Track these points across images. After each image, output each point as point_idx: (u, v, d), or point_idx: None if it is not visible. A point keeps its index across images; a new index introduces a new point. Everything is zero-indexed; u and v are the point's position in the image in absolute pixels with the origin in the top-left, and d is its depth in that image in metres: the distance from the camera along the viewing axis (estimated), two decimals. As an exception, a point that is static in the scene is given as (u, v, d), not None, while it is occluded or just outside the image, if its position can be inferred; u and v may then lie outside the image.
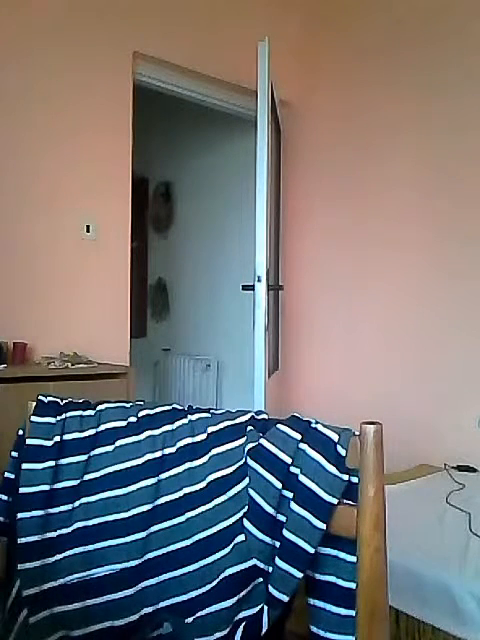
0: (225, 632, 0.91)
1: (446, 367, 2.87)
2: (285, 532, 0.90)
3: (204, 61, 3.13)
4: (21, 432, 1.10)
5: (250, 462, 0.95)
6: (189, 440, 1.04)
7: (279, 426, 0.96)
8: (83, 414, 1.10)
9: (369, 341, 3.23)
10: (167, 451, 1.04)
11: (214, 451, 1.00)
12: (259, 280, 2.68)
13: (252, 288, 2.69)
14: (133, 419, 1.08)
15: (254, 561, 0.92)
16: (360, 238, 3.28)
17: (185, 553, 0.98)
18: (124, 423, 1.08)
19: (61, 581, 1.01)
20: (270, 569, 0.92)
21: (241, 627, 0.92)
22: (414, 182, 3.02)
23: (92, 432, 1.08)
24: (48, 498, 1.04)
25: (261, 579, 0.93)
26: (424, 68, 2.98)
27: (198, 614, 0.94)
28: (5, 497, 1.09)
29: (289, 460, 0.92)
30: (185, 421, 1.06)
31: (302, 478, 0.90)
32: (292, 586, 0.90)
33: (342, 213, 3.38)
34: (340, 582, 0.91)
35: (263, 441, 0.95)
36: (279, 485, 0.92)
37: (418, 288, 3.00)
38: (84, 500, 1.04)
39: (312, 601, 0.93)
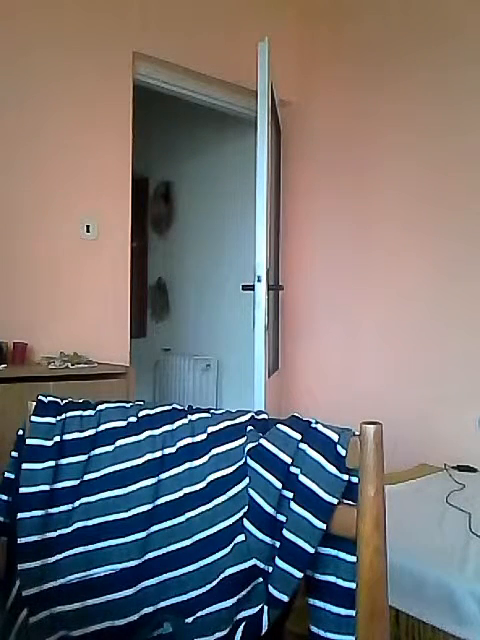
0: (225, 632, 0.91)
1: (446, 367, 2.87)
2: (285, 532, 0.90)
3: (204, 61, 3.13)
4: (21, 432, 1.10)
5: (250, 462, 0.95)
6: (189, 440, 1.04)
7: (279, 426, 0.96)
8: (83, 414, 1.10)
9: (369, 341, 3.23)
10: (167, 451, 1.04)
11: (214, 451, 1.00)
12: (259, 280, 2.68)
13: (252, 288, 2.69)
14: (133, 419, 1.08)
15: (254, 561, 0.92)
16: (360, 238, 3.28)
17: (185, 553, 0.98)
18: (124, 423, 1.08)
19: (61, 581, 1.01)
20: (270, 569, 0.92)
21: (241, 627, 0.92)
22: (414, 182, 3.02)
23: (92, 432, 1.08)
24: (48, 498, 1.04)
25: (261, 579, 0.93)
26: (424, 68, 2.98)
27: (198, 614, 0.94)
28: (5, 497, 1.09)
29: (289, 460, 0.92)
30: (185, 421, 1.06)
31: (302, 478, 0.90)
32: (292, 586, 0.90)
33: (342, 213, 3.38)
34: (340, 582, 0.90)
35: (263, 441, 0.95)
36: (279, 485, 0.92)
37: (418, 288, 3.00)
38: (84, 500, 1.04)
39: (312, 601, 0.93)
